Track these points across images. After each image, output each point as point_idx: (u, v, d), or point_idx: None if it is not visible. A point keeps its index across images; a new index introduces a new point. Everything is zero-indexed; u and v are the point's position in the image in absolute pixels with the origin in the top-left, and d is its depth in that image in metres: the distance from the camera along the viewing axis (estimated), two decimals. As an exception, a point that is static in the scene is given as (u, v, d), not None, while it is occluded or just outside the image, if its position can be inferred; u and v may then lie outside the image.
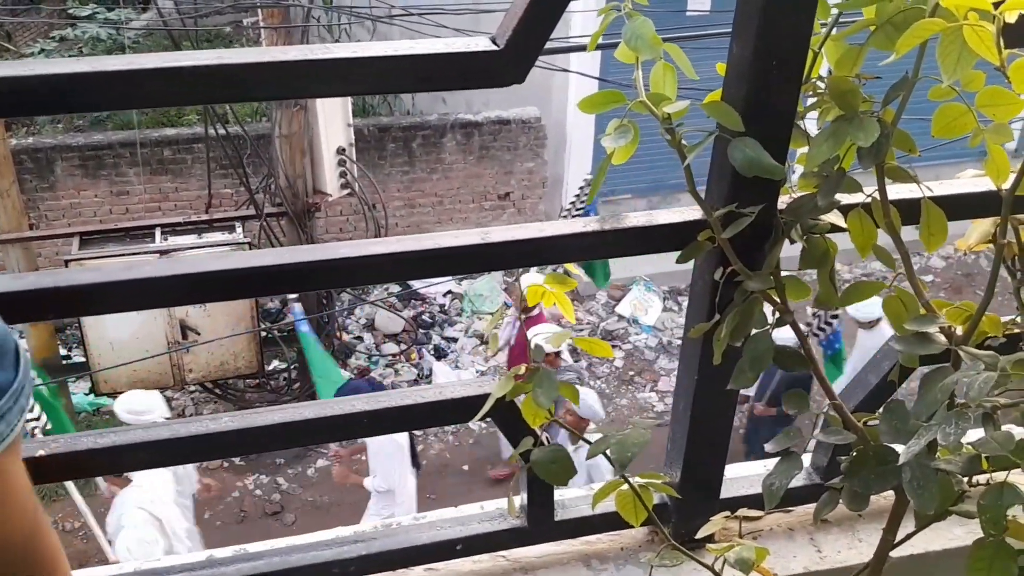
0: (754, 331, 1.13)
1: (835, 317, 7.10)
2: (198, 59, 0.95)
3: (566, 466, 1.12)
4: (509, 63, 1.01)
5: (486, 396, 1.20)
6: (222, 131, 7.75)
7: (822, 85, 1.09)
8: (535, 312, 6.93)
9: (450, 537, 1.36)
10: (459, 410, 1.25)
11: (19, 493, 0.83)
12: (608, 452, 1.10)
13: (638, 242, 1.20)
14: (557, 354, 6.54)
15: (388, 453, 5.78)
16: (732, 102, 1.09)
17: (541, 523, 1.37)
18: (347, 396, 1.24)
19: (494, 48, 1.00)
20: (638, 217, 1.21)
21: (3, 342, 0.77)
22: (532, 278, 7.05)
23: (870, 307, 6.63)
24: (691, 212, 1.20)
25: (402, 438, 5.79)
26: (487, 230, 1.16)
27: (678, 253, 1.20)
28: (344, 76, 1.00)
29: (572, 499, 1.41)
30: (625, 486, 1.15)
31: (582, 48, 5.91)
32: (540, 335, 1.26)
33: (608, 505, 1.20)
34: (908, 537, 1.14)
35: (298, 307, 7.25)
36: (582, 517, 1.38)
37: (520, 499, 1.38)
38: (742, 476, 1.46)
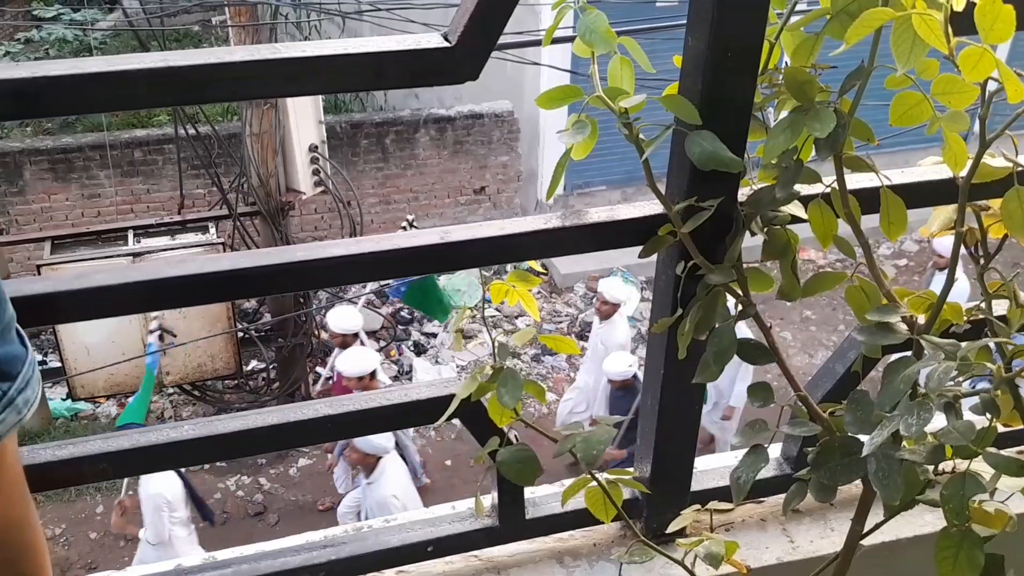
0: (718, 324, 1.12)
1: None
2: (143, 62, 0.92)
3: (532, 466, 1.11)
4: (462, 60, 0.99)
5: (452, 397, 1.19)
6: (192, 131, 7.67)
7: (779, 76, 1.09)
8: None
9: (421, 539, 1.35)
10: (425, 411, 1.24)
11: (14, 479, 0.83)
12: (574, 450, 1.09)
13: (599, 238, 1.19)
14: (372, 376, 6.04)
15: (155, 506, 5.48)
16: (689, 95, 1.08)
17: (512, 522, 1.36)
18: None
19: (446, 45, 0.98)
20: (599, 212, 1.20)
21: (9, 321, 0.77)
22: (343, 311, 6.83)
23: None
24: (652, 206, 1.19)
25: (171, 494, 5.47)
26: (447, 229, 1.14)
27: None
28: (294, 76, 0.98)
29: (543, 496, 1.40)
30: (594, 483, 1.14)
31: (538, 43, 5.89)
32: (522, 329, 1.24)
33: (579, 502, 1.19)
34: (877, 527, 1.14)
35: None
36: (553, 515, 1.37)
37: (491, 498, 1.37)
38: (712, 468, 1.45)
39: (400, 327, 9.44)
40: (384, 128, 9.76)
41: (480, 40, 1.00)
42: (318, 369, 8.73)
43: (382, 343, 9.23)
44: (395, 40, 1.01)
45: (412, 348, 9.17)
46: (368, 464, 5.47)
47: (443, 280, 9.69)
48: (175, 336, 7.36)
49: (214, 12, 11.32)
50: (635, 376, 6.47)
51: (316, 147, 7.59)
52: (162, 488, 5.41)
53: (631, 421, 5.88)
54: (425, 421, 1.24)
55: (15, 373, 0.75)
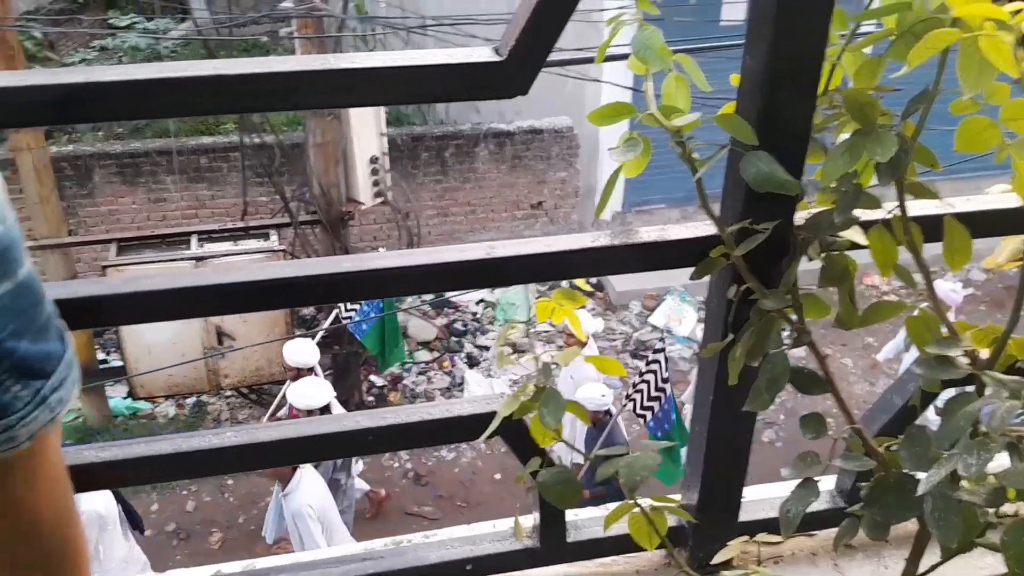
0: (771, 351, 1.09)
1: (667, 381, 5.97)
2: (194, 70, 0.93)
3: (573, 489, 1.09)
4: (512, 74, 0.98)
5: (494, 414, 1.17)
6: (257, 140, 7.81)
7: (840, 98, 1.05)
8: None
9: (460, 556, 1.33)
10: (467, 428, 1.23)
11: (56, 475, 0.83)
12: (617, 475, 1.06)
13: (650, 258, 1.17)
14: (325, 410, 5.79)
15: (86, 521, 5.32)
16: (746, 115, 1.05)
17: (553, 544, 1.34)
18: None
19: (497, 59, 0.97)
20: (650, 232, 1.17)
21: (47, 319, 0.77)
22: (300, 343, 6.57)
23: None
24: (705, 227, 1.16)
25: (104, 509, 5.38)
26: (494, 244, 1.13)
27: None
28: (343, 88, 0.98)
29: (585, 520, 1.37)
30: (637, 509, 1.11)
31: (590, 60, 5.84)
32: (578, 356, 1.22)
33: (623, 527, 1.17)
34: (933, 568, 1.09)
35: None
36: (596, 539, 1.35)
37: (532, 519, 1.35)
38: (762, 499, 1.41)
39: (453, 339, 9.47)
40: (444, 141, 9.84)
41: (531, 55, 0.99)
42: (371, 377, 8.80)
43: (435, 354, 9.27)
44: (446, 53, 1.00)
45: (465, 360, 9.19)
46: (284, 476, 5.43)
47: (498, 293, 9.71)
48: (234, 340, 7.49)
49: (282, 24, 11.54)
50: (608, 411, 6.00)
51: (377, 158, 7.67)
52: (96, 504, 5.38)
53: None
54: (467, 437, 1.23)
55: (50, 371, 0.75)
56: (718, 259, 1.11)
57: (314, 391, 5.79)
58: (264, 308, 1.16)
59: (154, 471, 1.15)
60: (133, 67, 0.90)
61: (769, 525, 1.37)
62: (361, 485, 7.01)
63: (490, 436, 1.16)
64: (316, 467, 5.75)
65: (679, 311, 9.30)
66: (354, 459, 6.40)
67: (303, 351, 6.44)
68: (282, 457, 1.22)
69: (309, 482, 5.45)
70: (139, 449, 1.14)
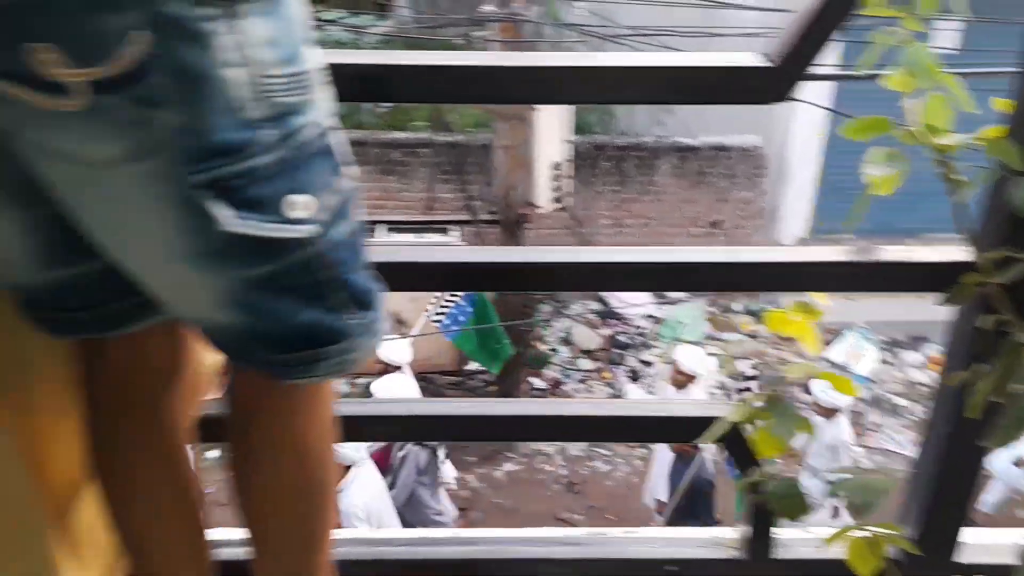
0: (1018, 387, 1.05)
1: None
2: (483, 60, 0.99)
3: (801, 501, 1.08)
4: (780, 80, 0.99)
5: (713, 419, 1.18)
6: (448, 139, 8.08)
7: None
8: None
9: (662, 556, 1.34)
10: (685, 429, 1.24)
11: (328, 414, 0.95)
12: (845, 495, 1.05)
13: (892, 279, 1.15)
14: None
15: None
16: (1018, 139, 1.02)
17: (760, 558, 1.32)
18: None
19: (768, 64, 0.98)
20: (895, 252, 1.15)
21: (367, 260, 0.86)
22: (397, 342, 6.41)
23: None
24: (953, 252, 1.13)
25: None
26: (736, 248, 1.14)
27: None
28: (607, 84, 1.02)
29: (793, 539, 1.35)
30: (860, 533, 1.09)
31: (848, 76, 5.64)
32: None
33: (831, 551, 1.15)
34: None
35: None
36: (804, 559, 1.32)
37: (740, 531, 1.34)
38: (981, 543, 1.34)
39: (616, 351, 9.44)
40: (626, 152, 9.82)
41: (801, 62, 0.99)
42: (529, 379, 8.90)
43: (597, 364, 9.27)
44: (714, 56, 1.02)
45: (629, 374, 9.13)
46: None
47: (665, 310, 9.61)
48: (409, 328, 7.77)
49: (478, 27, 11.88)
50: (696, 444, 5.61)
51: (559, 165, 7.76)
52: None
53: (686, 493, 5.35)
54: (684, 438, 1.24)
55: (370, 304, 0.85)
56: (972, 286, 1.07)
57: (398, 390, 5.86)
58: (483, 289, 1.22)
59: (387, 429, 1.23)
60: (426, 53, 0.98)
61: (986, 572, 1.31)
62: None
63: (711, 440, 1.17)
64: (394, 480, 5.72)
65: (859, 348, 8.89)
66: (440, 467, 6.28)
67: (398, 349, 6.46)
68: (505, 432, 1.27)
69: (361, 484, 5.33)
70: (375, 408, 1.23)
